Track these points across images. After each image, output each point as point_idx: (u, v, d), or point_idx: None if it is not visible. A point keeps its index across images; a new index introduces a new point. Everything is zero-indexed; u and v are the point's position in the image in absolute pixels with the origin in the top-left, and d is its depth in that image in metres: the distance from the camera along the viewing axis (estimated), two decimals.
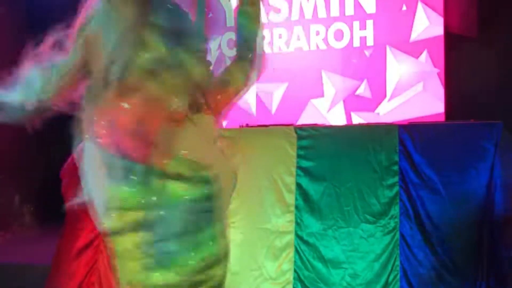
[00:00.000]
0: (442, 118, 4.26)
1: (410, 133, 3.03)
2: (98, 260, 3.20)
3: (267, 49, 4.60)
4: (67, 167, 3.51)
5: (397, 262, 2.78)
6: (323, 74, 4.61)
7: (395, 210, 2.86)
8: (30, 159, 5.16)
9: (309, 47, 4.69)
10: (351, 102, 4.53)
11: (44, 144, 5.29)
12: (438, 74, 4.33)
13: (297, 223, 2.95)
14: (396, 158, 2.96)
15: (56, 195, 4.90)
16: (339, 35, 4.59)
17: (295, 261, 2.85)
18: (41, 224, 5.19)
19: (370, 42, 4.51)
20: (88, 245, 3.23)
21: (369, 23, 4.50)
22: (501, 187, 2.78)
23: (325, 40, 4.63)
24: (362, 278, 2.77)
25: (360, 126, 3.49)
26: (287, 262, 2.62)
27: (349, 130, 3.35)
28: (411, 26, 4.39)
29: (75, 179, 3.27)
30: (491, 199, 2.79)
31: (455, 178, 2.88)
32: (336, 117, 4.53)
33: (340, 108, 4.57)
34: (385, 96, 4.47)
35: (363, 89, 4.51)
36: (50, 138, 5.27)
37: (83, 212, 3.20)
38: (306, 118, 4.55)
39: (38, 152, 5.26)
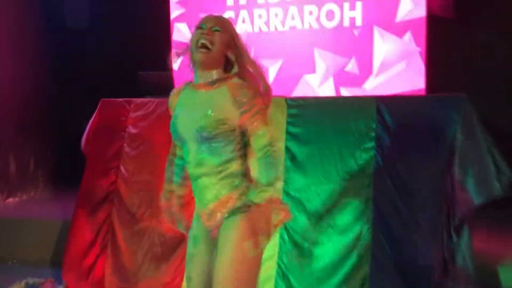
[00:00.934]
0: (423, 93, 4.64)
1: (387, 104, 3.42)
2: (111, 212, 3.64)
3: (264, 28, 4.96)
4: (87, 137, 3.93)
5: (370, 214, 3.20)
6: (315, 52, 4.98)
7: (370, 169, 3.27)
8: (44, 126, 5.58)
9: (303, 26, 5.04)
10: (340, 77, 4.89)
11: (57, 114, 5.72)
12: (420, 53, 4.70)
13: (285, 181, 3.36)
14: (374, 126, 3.34)
15: (66, 161, 5.35)
16: (330, 15, 4.95)
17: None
18: (53, 187, 5.63)
19: (358, 22, 4.85)
20: (105, 199, 3.67)
21: (358, 4, 4.83)
22: (460, 151, 3.19)
23: (318, 19, 4.98)
24: (339, 228, 3.19)
25: (343, 97, 3.88)
26: None
27: (333, 101, 3.75)
28: (397, 8, 4.74)
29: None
30: (453, 160, 3.20)
31: (423, 143, 3.28)
32: (327, 92, 4.90)
33: (330, 83, 4.95)
34: (371, 72, 4.84)
35: (351, 66, 4.88)
36: (62, 108, 5.72)
37: (101, 169, 3.69)
38: (299, 92, 4.93)
39: (52, 120, 5.68)
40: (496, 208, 4.02)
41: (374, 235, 3.16)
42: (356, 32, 4.87)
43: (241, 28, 4.97)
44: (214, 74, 2.00)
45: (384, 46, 4.79)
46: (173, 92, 2.18)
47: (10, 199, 5.07)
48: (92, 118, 3.95)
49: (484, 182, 3.14)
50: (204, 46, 1.94)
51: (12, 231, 4.40)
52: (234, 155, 1.98)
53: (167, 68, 5.27)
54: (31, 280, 3.78)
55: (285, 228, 3.25)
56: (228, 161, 1.96)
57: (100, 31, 5.81)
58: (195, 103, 1.99)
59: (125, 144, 3.76)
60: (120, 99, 3.92)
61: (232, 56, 2.01)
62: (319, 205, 3.23)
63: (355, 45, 4.87)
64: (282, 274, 3.17)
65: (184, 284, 3.29)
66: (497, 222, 4.31)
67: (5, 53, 4.97)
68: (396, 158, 3.28)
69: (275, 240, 3.14)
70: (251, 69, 2.04)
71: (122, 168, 3.70)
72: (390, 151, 3.29)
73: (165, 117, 3.61)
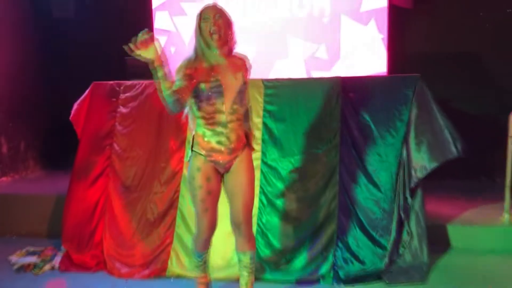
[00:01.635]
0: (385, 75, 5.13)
1: (351, 83, 3.89)
2: (107, 185, 3.99)
3: (239, 17, 5.34)
4: (76, 111, 4.26)
5: (337, 179, 3.67)
6: (288, 39, 5.41)
7: (336, 140, 3.73)
8: (34, 110, 5.85)
9: (276, 15, 5.45)
10: (311, 62, 5.35)
11: (46, 98, 6.00)
12: (383, 39, 5.19)
13: (263, 152, 3.79)
14: (339, 102, 3.80)
15: (55, 143, 5.65)
16: (302, 5, 5.37)
17: (260, 179, 3.70)
18: (43, 167, 5.92)
19: (327, 11, 5.32)
20: (101, 174, 4.01)
21: None
22: (414, 122, 3.68)
23: (290, 9, 5.40)
24: (311, 192, 3.65)
25: (313, 78, 4.30)
26: (255, 180, 3.40)
27: (304, 81, 4.18)
28: None
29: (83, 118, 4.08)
30: (408, 131, 3.69)
31: (383, 117, 3.75)
32: (298, 76, 5.35)
33: (302, 67, 5.39)
34: (339, 57, 5.31)
35: (321, 52, 5.35)
36: (51, 94, 6.01)
37: (95, 146, 4.02)
38: (273, 76, 5.35)
39: (41, 104, 5.96)
40: (445, 178, 4.61)
41: (340, 197, 3.63)
42: (325, 20, 5.33)
43: None
44: (224, 49, 2.67)
45: (350, 33, 5.26)
46: (189, 60, 2.65)
47: (3, 178, 5.35)
48: (83, 97, 4.24)
49: (436, 149, 3.63)
50: (215, 32, 2.60)
51: (7, 207, 4.68)
52: (245, 107, 2.77)
53: None
54: (31, 248, 4.10)
55: (263, 193, 3.70)
56: (244, 111, 2.76)
57: (86, 20, 6.08)
58: (224, 69, 2.66)
59: (116, 123, 4.10)
60: (111, 82, 4.26)
61: (228, 36, 2.68)
62: (293, 171, 3.68)
63: (324, 32, 5.34)
64: (262, 232, 3.61)
65: (173, 245, 3.69)
66: (446, 190, 4.85)
67: None
68: (359, 130, 3.75)
69: (255, 202, 3.55)
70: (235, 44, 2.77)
71: (115, 145, 4.04)
72: (354, 124, 3.76)
73: (153, 97, 4.05)
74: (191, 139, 2.73)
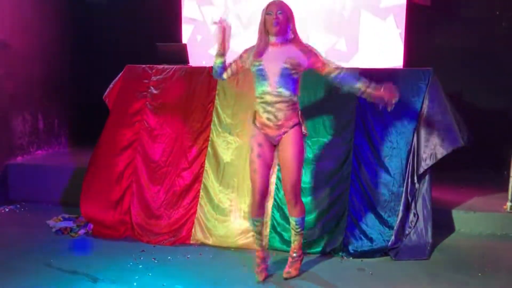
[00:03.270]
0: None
1: (367, 74, 4.12)
2: (135, 157, 4.32)
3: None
4: (110, 91, 4.61)
5: (351, 161, 3.94)
6: (309, 30, 5.65)
7: (352, 126, 4.00)
8: (67, 91, 6.24)
9: (299, 7, 5.69)
10: (330, 54, 5.57)
11: (80, 80, 6.39)
12: (400, 34, 5.44)
13: None
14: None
15: (87, 122, 6.02)
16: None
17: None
18: (74, 144, 6.31)
19: (348, 5, 5.57)
20: (129, 146, 4.33)
21: None
22: (426, 113, 3.94)
23: (312, 1, 5.65)
24: (326, 171, 3.93)
25: None
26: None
27: None
28: None
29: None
30: (420, 120, 3.94)
31: (397, 107, 3.97)
32: None
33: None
34: (357, 50, 5.57)
35: (340, 44, 5.61)
36: (85, 75, 6.38)
37: (125, 121, 4.33)
38: None
39: (75, 85, 6.35)
40: (454, 169, 4.86)
41: (353, 178, 3.91)
42: (345, 15, 5.58)
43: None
44: (282, 39, 3.14)
45: (369, 27, 5.51)
46: (252, 46, 3.22)
47: (39, 152, 5.75)
48: (116, 79, 4.60)
49: (445, 139, 3.88)
50: (277, 25, 3.08)
51: (43, 177, 5.08)
52: (293, 91, 3.15)
53: (179, 40, 5.97)
54: (66, 215, 4.49)
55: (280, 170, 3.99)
56: (292, 94, 3.13)
57: (118, 6, 6.42)
58: (275, 54, 3.11)
59: (147, 102, 4.43)
60: (143, 65, 4.59)
61: (289, 27, 3.15)
62: (309, 153, 3.97)
63: (344, 26, 5.59)
64: (277, 206, 3.91)
65: (197, 214, 4.02)
66: (454, 180, 5.10)
67: (33, 27, 5.59)
68: (373, 118, 4.02)
69: (273, 179, 3.85)
70: (297, 34, 3.22)
71: (145, 122, 4.37)
72: (368, 113, 4.02)
73: (183, 80, 4.38)
74: (252, 115, 3.25)
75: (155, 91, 4.45)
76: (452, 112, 3.96)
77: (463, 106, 4.56)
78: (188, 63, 4.89)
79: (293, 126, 3.14)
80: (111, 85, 4.63)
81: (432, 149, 3.92)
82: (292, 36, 3.16)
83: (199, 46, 5.93)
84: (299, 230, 3.29)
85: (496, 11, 5.60)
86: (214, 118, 4.25)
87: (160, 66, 4.56)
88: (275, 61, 3.09)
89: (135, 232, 4.07)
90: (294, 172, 3.15)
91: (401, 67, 5.38)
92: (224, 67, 3.30)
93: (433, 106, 3.98)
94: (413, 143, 3.96)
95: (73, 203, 4.62)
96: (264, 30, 3.13)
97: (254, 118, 3.23)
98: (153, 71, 4.53)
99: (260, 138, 3.19)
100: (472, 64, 5.57)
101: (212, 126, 4.24)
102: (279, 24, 3.06)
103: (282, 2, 3.15)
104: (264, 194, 3.24)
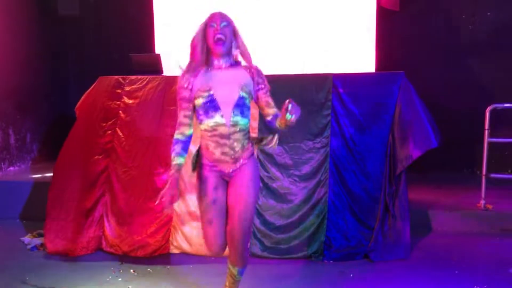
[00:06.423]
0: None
1: (341, 79, 4.19)
2: (109, 166, 4.22)
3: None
4: (81, 102, 4.56)
5: (328, 166, 3.97)
6: (282, 35, 5.71)
7: (328, 131, 4.05)
8: (39, 104, 6.12)
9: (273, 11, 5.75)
10: (303, 58, 5.65)
11: (52, 93, 6.29)
12: (371, 39, 5.53)
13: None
14: (330, 97, 4.10)
15: (60, 134, 5.90)
16: (295, 3, 5.67)
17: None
18: (47, 158, 6.18)
19: (320, 10, 5.64)
20: (101, 154, 4.25)
21: None
22: (400, 115, 4.01)
23: (285, 7, 5.71)
24: (303, 176, 3.96)
25: (306, 74, 4.59)
26: None
27: (298, 77, 4.47)
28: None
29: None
30: (394, 123, 4.01)
31: (370, 110, 4.06)
32: (291, 71, 5.64)
33: (295, 63, 5.67)
34: (330, 55, 5.59)
35: (312, 49, 5.66)
36: (56, 88, 6.27)
37: (97, 130, 4.21)
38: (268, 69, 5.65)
39: (46, 98, 6.23)
40: (428, 170, 4.95)
41: (331, 182, 3.95)
42: (318, 19, 5.64)
43: None
44: (228, 59, 2.61)
45: (341, 32, 5.59)
46: (185, 75, 2.60)
47: (11, 168, 5.61)
48: (89, 90, 4.57)
49: (419, 140, 3.94)
50: (220, 40, 2.53)
51: (15, 193, 4.95)
52: (249, 117, 2.64)
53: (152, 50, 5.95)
54: (41, 231, 4.37)
55: (260, 177, 3.99)
56: (248, 121, 2.63)
57: (91, 17, 6.37)
58: (225, 80, 2.57)
59: (120, 111, 4.38)
60: (116, 76, 4.55)
61: (234, 43, 2.61)
62: (287, 158, 3.99)
63: (316, 30, 5.62)
64: (258, 212, 3.90)
65: (174, 222, 3.97)
66: (429, 181, 5.20)
67: (4, 40, 5.48)
68: (348, 122, 4.07)
69: None
70: (246, 53, 2.64)
71: (118, 130, 4.32)
72: (343, 117, 4.08)
73: (156, 90, 4.35)
74: (194, 152, 2.71)
75: (128, 101, 4.41)
76: (425, 114, 4.04)
77: (435, 106, 4.65)
78: (162, 72, 4.87)
79: (250, 157, 2.65)
80: (82, 97, 4.58)
81: (407, 150, 3.98)
82: (238, 55, 2.64)
83: (173, 56, 5.90)
84: (239, 279, 2.80)
85: (462, 15, 5.77)
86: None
87: (133, 77, 4.53)
88: (228, 88, 2.56)
89: (109, 243, 3.99)
90: (248, 215, 2.58)
91: (373, 70, 5.47)
92: (186, 147, 2.61)
93: (407, 108, 4.05)
94: (388, 145, 4.02)
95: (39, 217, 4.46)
96: (204, 49, 2.58)
97: (201, 156, 2.66)
98: (127, 81, 4.50)
99: (214, 179, 2.62)
100: (441, 66, 5.74)
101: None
102: (224, 40, 2.54)
103: (224, 13, 2.64)
104: (221, 247, 2.67)
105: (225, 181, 2.66)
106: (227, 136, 2.57)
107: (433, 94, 5.36)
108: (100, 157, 4.27)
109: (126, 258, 3.81)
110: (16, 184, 5.04)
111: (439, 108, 5.30)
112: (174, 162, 2.56)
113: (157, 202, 2.51)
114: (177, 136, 2.60)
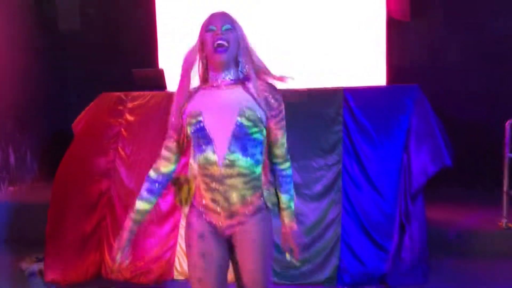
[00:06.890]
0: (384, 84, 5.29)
1: (352, 93, 4.02)
2: (110, 187, 4.05)
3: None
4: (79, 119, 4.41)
5: (340, 184, 3.77)
6: (291, 48, 5.55)
7: (339, 148, 3.85)
8: (39, 121, 5.98)
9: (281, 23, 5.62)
10: (313, 72, 5.46)
11: (52, 110, 6.15)
12: (382, 51, 5.38)
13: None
14: (341, 112, 3.92)
15: (60, 153, 5.75)
16: (304, 15, 5.51)
17: None
18: (48, 177, 6.01)
19: (329, 22, 5.50)
20: (102, 175, 4.07)
21: None
22: (414, 130, 3.82)
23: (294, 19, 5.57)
24: (315, 195, 3.76)
25: (316, 88, 4.43)
26: None
27: (308, 91, 4.31)
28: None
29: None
30: (408, 138, 3.82)
31: (382, 125, 3.88)
32: (300, 85, 5.48)
33: (304, 76, 5.48)
34: (340, 68, 5.43)
35: (323, 62, 5.50)
36: (57, 105, 6.13)
37: (98, 149, 4.05)
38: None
39: (47, 115, 6.10)
40: (445, 186, 4.75)
41: (344, 201, 3.74)
42: (327, 32, 5.49)
43: None
44: (233, 73, 1.96)
45: (350, 44, 5.44)
46: (176, 97, 2.05)
47: (10, 188, 5.45)
48: (88, 107, 4.40)
49: (435, 156, 3.76)
50: (221, 46, 1.89)
51: (15, 215, 4.78)
52: (261, 157, 1.93)
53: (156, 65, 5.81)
54: (40, 256, 4.18)
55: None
56: (254, 164, 1.90)
57: (92, 32, 6.25)
58: (221, 102, 1.92)
59: (122, 129, 4.21)
60: (118, 92, 4.39)
61: (241, 53, 1.95)
62: (297, 177, 3.79)
63: (326, 43, 5.48)
64: None
65: (178, 247, 3.76)
66: (446, 197, 4.97)
67: (4, 54, 5.36)
68: (360, 138, 3.88)
69: None
70: (261, 65, 2.00)
71: (120, 149, 4.14)
72: (355, 132, 3.88)
73: (160, 107, 4.18)
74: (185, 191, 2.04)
75: (130, 118, 4.24)
76: (440, 130, 3.85)
77: (450, 120, 4.47)
78: (166, 88, 4.70)
79: (254, 213, 1.95)
80: (81, 114, 4.42)
81: (423, 166, 3.79)
82: (247, 69, 1.96)
83: (177, 71, 5.76)
84: None
85: (476, 25, 5.59)
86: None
87: (136, 93, 4.37)
88: (223, 113, 1.91)
89: (111, 269, 3.78)
90: (260, 285, 1.99)
91: (385, 83, 5.30)
92: (156, 190, 2.06)
93: (421, 123, 3.87)
94: (403, 162, 3.83)
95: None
96: (204, 61, 1.97)
97: (189, 196, 2.02)
98: (129, 98, 4.34)
99: (200, 226, 1.98)
100: (455, 78, 5.54)
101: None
102: (227, 47, 1.89)
103: (230, 14, 1.99)
104: None
105: (219, 233, 1.99)
106: (219, 180, 1.91)
107: (448, 107, 5.17)
108: (101, 177, 4.09)
109: (128, 285, 3.61)
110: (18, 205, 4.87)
111: (454, 121, 5.12)
112: (134, 207, 2.01)
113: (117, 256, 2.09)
114: (150, 172, 2.05)
